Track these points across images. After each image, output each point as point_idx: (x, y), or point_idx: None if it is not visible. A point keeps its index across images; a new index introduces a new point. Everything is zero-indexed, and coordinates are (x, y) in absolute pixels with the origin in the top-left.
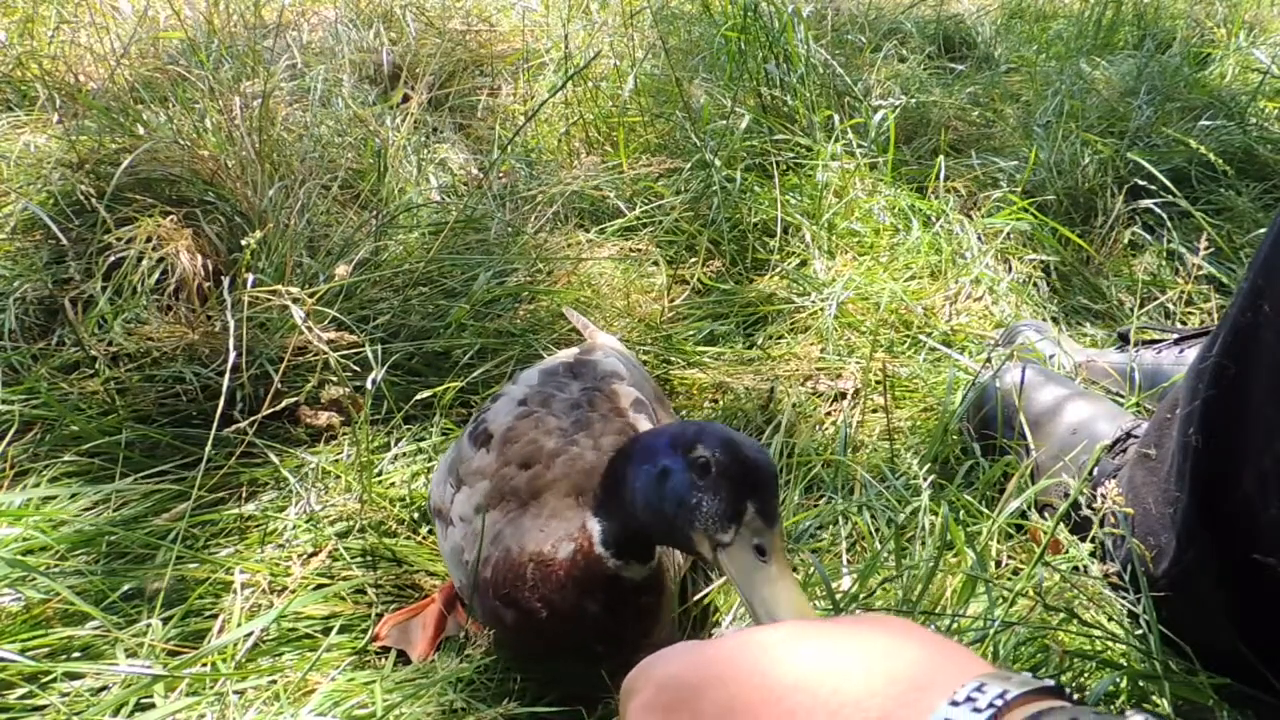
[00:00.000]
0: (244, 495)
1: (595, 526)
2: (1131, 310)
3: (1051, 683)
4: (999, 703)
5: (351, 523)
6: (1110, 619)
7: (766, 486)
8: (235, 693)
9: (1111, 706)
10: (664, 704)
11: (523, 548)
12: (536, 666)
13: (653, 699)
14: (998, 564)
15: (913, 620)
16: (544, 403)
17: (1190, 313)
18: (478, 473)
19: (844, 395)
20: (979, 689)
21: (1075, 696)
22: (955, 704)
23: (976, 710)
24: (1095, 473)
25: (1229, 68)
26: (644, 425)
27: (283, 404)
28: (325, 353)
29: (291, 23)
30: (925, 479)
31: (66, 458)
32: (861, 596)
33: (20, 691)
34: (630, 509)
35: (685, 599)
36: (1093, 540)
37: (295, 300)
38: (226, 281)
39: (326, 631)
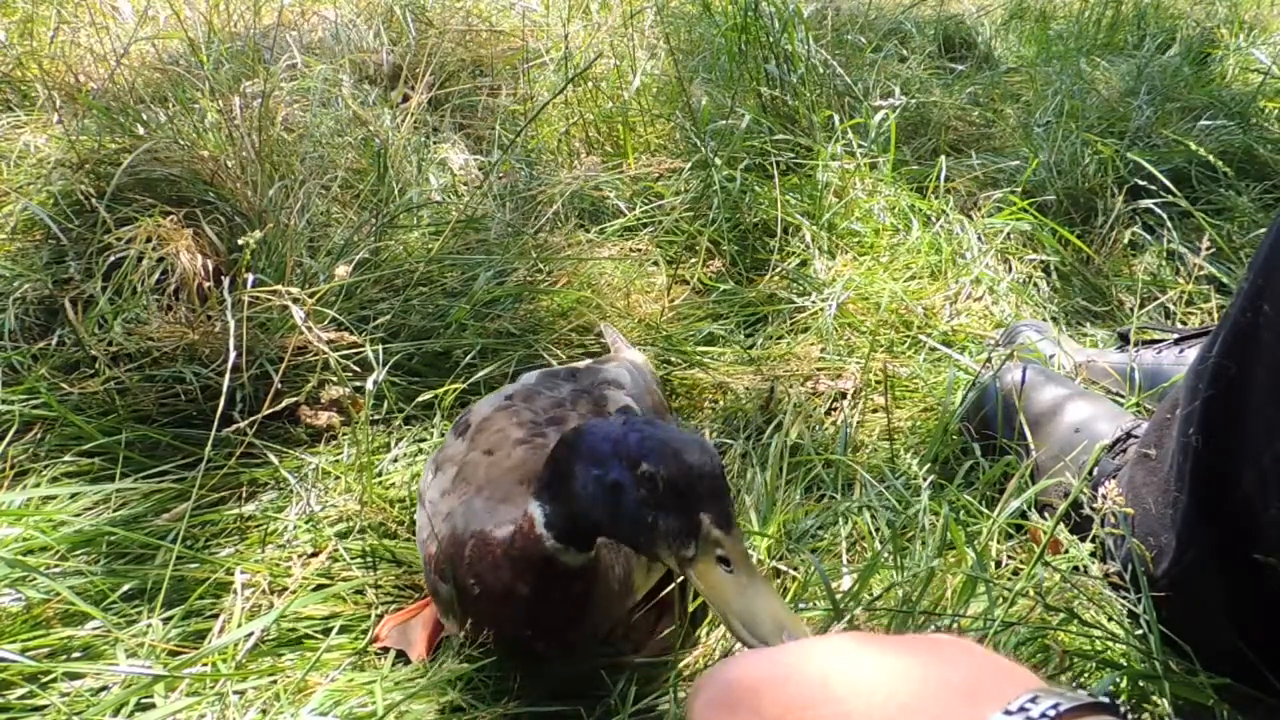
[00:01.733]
0: (244, 495)
1: (537, 510)
2: (1131, 310)
3: (1105, 700)
4: (1051, 713)
5: (351, 523)
6: (1110, 619)
7: (716, 492)
8: (235, 693)
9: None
10: (727, 702)
11: (467, 525)
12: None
13: (716, 697)
14: (998, 564)
15: (913, 618)
16: (527, 399)
17: (1190, 313)
18: (450, 459)
19: (844, 395)
20: (1032, 700)
21: (1129, 716)
22: (1009, 713)
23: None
24: (1095, 473)
25: (1229, 68)
26: None
27: (283, 404)
28: (325, 353)
29: (291, 23)
30: (925, 479)
31: (66, 458)
32: (861, 596)
33: (20, 691)
34: (580, 506)
35: (687, 596)
36: (1093, 540)
37: (295, 300)
38: (226, 281)
39: (326, 632)
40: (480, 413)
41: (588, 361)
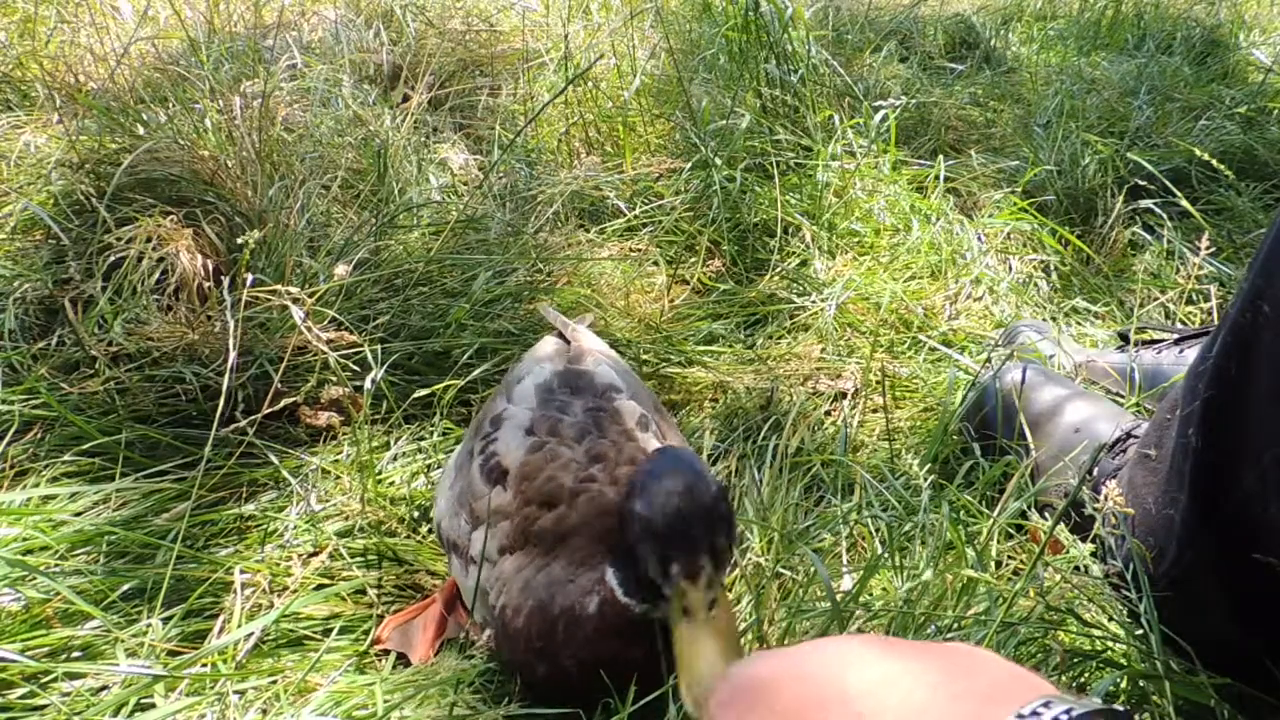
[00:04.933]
0: (244, 495)
1: (612, 578)
2: (1131, 310)
3: (1120, 708)
4: (1064, 718)
5: (352, 523)
6: (1111, 619)
7: (688, 540)
8: (235, 693)
9: None
10: (746, 699)
11: (553, 599)
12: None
13: (732, 696)
14: (998, 564)
15: (913, 623)
16: (552, 430)
17: (1190, 313)
18: (497, 512)
19: (844, 395)
20: (1044, 705)
21: None
22: (1021, 717)
23: None
24: (1095, 473)
25: (1229, 67)
26: (653, 445)
27: (282, 404)
28: (325, 353)
29: (291, 23)
30: (925, 479)
31: (66, 458)
32: (861, 597)
33: (20, 691)
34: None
35: None
36: (1093, 540)
37: (295, 300)
38: (226, 281)
39: (327, 633)
40: (511, 456)
41: (555, 346)
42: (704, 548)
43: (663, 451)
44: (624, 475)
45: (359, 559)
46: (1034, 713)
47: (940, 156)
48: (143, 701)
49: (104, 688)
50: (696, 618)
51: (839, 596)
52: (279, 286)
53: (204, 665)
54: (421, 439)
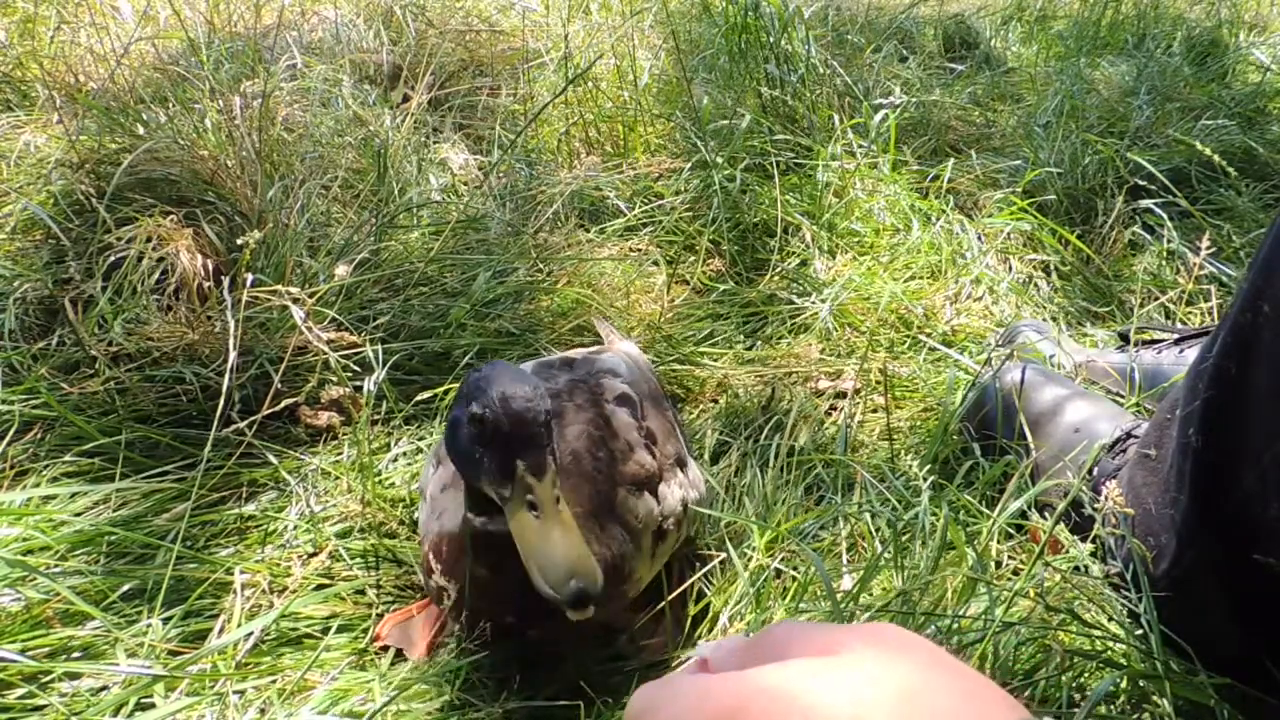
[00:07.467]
0: (244, 496)
1: (465, 495)
2: (1131, 310)
3: None
4: None
5: (352, 524)
6: (1111, 619)
7: (533, 438)
8: (235, 693)
9: None
10: None
11: (443, 524)
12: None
13: None
14: (998, 564)
15: (913, 623)
16: None
17: (1190, 313)
18: None
19: (844, 395)
20: None
21: None
22: None
23: None
24: (1095, 473)
25: (1229, 68)
26: (623, 418)
27: (282, 404)
28: (325, 353)
29: (291, 23)
30: (925, 479)
31: (66, 458)
32: (861, 596)
33: (20, 691)
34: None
35: (672, 586)
36: (1093, 540)
37: (295, 300)
38: (226, 281)
39: (326, 632)
40: None
41: (583, 351)
42: (548, 446)
43: (492, 364)
44: (573, 433)
45: (358, 560)
46: None
47: (947, 159)
48: (143, 701)
49: (104, 688)
50: (546, 511)
51: (839, 596)
52: (279, 286)
53: (204, 665)
54: (422, 439)
